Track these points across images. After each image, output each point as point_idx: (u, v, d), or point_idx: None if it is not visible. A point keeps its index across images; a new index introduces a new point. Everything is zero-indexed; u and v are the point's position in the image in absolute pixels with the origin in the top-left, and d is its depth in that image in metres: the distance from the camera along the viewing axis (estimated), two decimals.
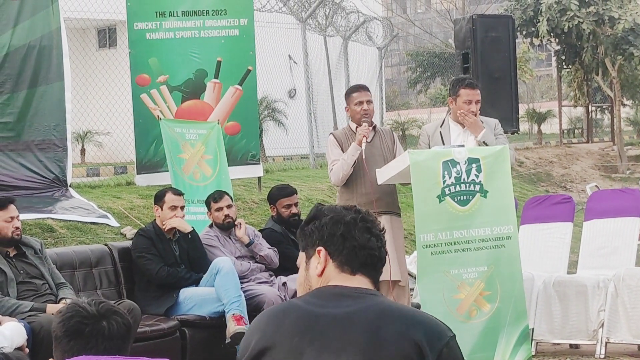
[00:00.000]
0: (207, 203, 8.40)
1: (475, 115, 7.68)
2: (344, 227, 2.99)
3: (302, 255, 3.07)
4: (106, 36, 25.75)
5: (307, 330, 2.83)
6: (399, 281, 7.63)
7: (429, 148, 7.67)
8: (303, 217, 8.89)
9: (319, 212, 3.07)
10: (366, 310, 2.85)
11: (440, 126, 7.89)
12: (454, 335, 2.84)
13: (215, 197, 8.35)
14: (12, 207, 6.99)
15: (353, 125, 7.81)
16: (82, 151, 23.85)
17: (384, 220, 7.63)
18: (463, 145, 7.42)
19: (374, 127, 7.87)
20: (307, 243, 3.04)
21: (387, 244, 7.77)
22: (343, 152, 7.68)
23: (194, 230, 7.98)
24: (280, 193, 8.69)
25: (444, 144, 7.68)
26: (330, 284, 2.97)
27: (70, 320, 2.94)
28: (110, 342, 2.91)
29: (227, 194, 8.47)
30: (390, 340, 2.77)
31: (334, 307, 2.86)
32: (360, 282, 2.98)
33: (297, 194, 8.83)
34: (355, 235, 2.98)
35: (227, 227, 8.29)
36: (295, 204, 8.67)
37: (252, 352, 2.87)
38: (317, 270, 2.99)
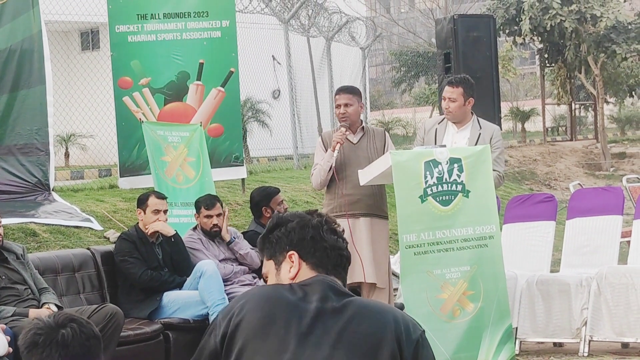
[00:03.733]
0: (197, 206, 8.36)
1: (450, 112, 7.71)
2: (312, 230, 3.08)
3: (269, 264, 3.13)
4: (89, 39, 25.69)
5: (294, 323, 2.93)
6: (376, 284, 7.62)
7: (424, 142, 7.72)
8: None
9: (282, 219, 3.14)
10: (348, 307, 2.96)
11: (439, 123, 7.92)
12: (424, 330, 3.03)
13: (208, 204, 8.30)
14: None
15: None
16: (66, 154, 23.78)
17: (362, 223, 7.61)
18: (444, 146, 7.44)
19: (363, 128, 7.85)
20: (275, 250, 3.11)
21: (363, 246, 7.85)
22: None
23: (177, 233, 7.96)
24: (269, 193, 8.74)
25: (435, 142, 7.71)
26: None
27: (28, 334, 2.97)
28: (66, 350, 2.91)
29: (219, 201, 8.43)
30: (372, 335, 2.91)
31: (319, 303, 2.96)
32: None
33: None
34: (325, 237, 3.08)
35: (213, 235, 8.27)
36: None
37: (235, 332, 2.96)
38: (290, 274, 3.06)
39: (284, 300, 2.97)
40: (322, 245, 3.06)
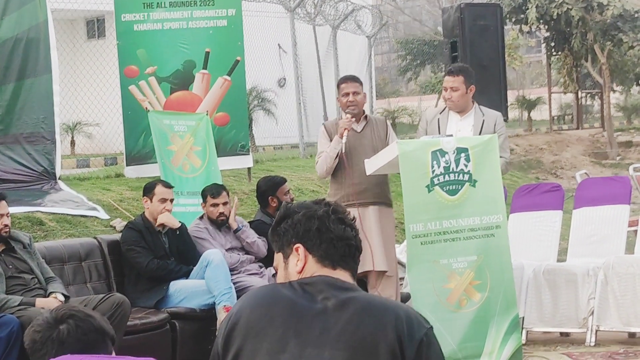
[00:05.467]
0: (204, 195, 8.35)
1: (453, 102, 7.71)
2: (318, 221, 2.99)
3: (278, 257, 3.07)
4: (95, 27, 25.66)
5: (293, 322, 2.86)
6: (386, 271, 7.64)
7: (426, 134, 7.71)
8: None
9: (289, 210, 3.06)
10: (349, 305, 2.87)
11: (440, 113, 7.93)
12: (432, 327, 2.89)
13: (214, 192, 8.29)
14: (2, 203, 6.96)
15: (344, 116, 7.83)
16: (72, 142, 23.76)
17: (371, 211, 7.64)
18: (452, 135, 7.44)
19: (366, 117, 7.88)
20: (283, 242, 3.04)
21: (373, 235, 7.85)
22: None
23: (182, 225, 7.96)
24: (276, 182, 8.71)
25: (439, 131, 7.71)
26: (315, 275, 2.98)
27: (29, 331, 2.98)
28: (62, 346, 2.91)
29: (225, 190, 8.43)
30: (372, 334, 2.81)
31: (319, 301, 2.89)
32: (341, 276, 2.99)
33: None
34: (331, 228, 2.98)
35: (220, 224, 8.26)
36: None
37: (232, 331, 2.91)
38: (297, 267, 2.99)
39: (282, 299, 2.90)
40: (328, 236, 2.97)
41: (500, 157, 7.41)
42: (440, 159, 7.04)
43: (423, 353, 2.81)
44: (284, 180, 8.80)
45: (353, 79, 7.97)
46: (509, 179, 17.13)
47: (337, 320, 2.84)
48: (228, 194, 8.45)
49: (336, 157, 7.65)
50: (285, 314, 2.88)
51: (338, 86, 7.97)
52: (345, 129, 7.58)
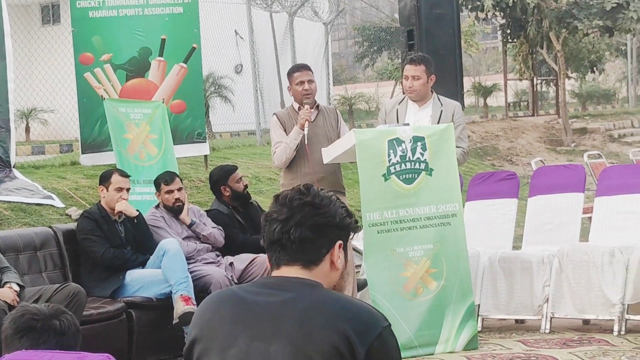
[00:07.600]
0: (157, 184, 8.30)
1: (414, 91, 7.73)
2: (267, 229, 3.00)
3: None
4: (50, 12, 25.46)
5: (241, 317, 2.87)
6: None
7: (385, 123, 7.73)
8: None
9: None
10: (299, 300, 2.86)
11: (399, 103, 7.93)
12: (389, 324, 2.83)
13: (167, 179, 8.25)
14: None
15: (296, 105, 7.82)
16: (27, 129, 23.56)
17: None
18: (408, 124, 7.47)
19: (317, 107, 7.88)
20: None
21: None
22: (286, 133, 7.69)
23: (140, 214, 7.92)
24: (226, 171, 8.65)
25: (398, 121, 7.72)
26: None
27: (21, 318, 2.99)
28: (63, 337, 2.95)
29: (178, 176, 8.40)
30: (319, 331, 2.78)
31: (269, 296, 2.88)
32: (288, 272, 2.95)
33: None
34: (266, 233, 2.98)
35: (177, 210, 8.22)
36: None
37: (189, 338, 2.94)
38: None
39: (232, 297, 2.93)
40: (266, 240, 2.96)
41: (458, 147, 7.46)
42: (397, 147, 7.08)
43: (377, 350, 2.77)
44: (234, 168, 8.73)
45: (306, 67, 7.95)
46: (465, 166, 17.20)
47: (285, 315, 2.83)
48: (181, 180, 8.42)
49: (295, 148, 7.63)
50: (234, 310, 2.89)
51: (290, 75, 7.88)
52: (306, 119, 7.56)
